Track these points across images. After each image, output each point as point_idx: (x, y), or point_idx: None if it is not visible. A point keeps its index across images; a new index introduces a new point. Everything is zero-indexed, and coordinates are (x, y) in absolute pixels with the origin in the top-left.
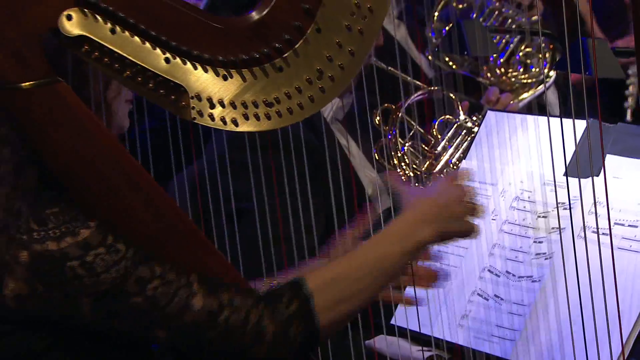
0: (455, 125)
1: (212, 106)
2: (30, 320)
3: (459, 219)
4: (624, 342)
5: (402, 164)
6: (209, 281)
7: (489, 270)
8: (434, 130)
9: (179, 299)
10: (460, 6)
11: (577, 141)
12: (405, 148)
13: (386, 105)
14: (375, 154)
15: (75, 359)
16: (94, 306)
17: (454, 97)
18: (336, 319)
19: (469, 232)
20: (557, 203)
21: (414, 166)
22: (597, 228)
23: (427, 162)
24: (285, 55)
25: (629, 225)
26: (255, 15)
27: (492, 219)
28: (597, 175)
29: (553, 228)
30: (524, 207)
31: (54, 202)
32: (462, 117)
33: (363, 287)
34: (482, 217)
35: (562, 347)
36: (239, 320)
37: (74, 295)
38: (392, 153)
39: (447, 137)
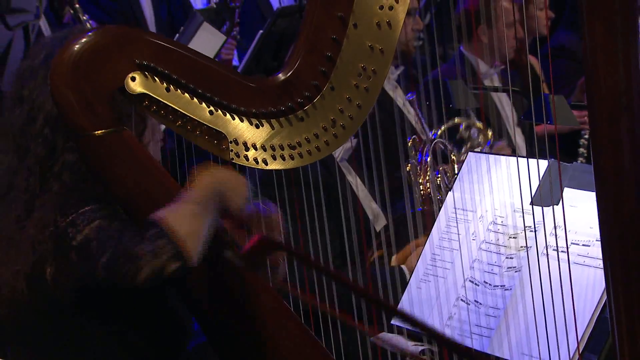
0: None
1: (247, 149)
2: (72, 301)
3: (239, 193)
4: (579, 338)
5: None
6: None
7: (470, 281)
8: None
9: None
10: None
11: (541, 177)
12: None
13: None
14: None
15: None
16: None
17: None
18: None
19: (240, 209)
20: (525, 226)
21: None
22: (558, 247)
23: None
24: (306, 108)
25: (582, 245)
26: (281, 76)
27: (472, 239)
28: (557, 204)
29: (521, 247)
30: (498, 229)
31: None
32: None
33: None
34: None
35: (529, 342)
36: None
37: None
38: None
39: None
